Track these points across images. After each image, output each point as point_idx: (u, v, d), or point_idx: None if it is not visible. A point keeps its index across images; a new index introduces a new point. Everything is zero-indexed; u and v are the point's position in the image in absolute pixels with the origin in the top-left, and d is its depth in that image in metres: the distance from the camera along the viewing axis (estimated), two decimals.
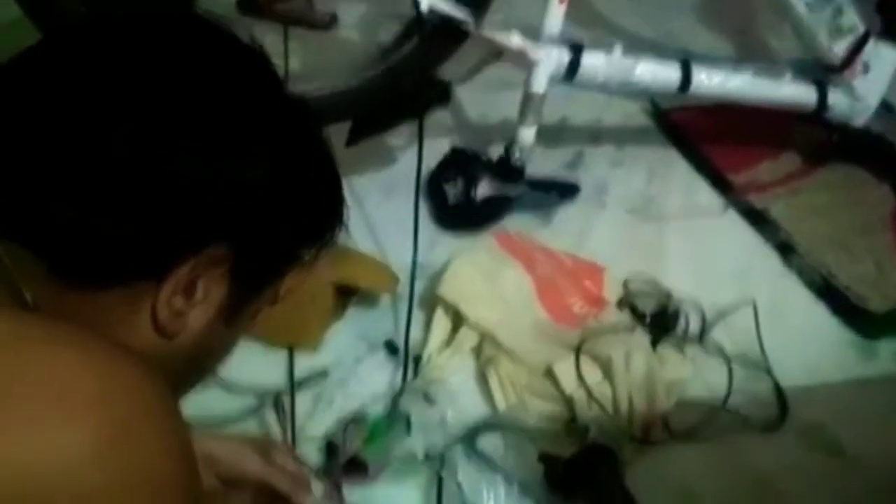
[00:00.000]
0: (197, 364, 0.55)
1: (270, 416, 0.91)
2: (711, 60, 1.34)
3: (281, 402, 0.91)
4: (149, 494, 0.40)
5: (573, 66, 1.17)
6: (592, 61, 1.19)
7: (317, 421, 0.93)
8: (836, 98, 1.34)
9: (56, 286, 0.46)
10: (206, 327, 0.51)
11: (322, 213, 0.56)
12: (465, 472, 0.87)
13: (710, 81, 1.26)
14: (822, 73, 1.34)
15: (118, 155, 0.44)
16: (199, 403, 0.92)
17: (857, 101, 1.36)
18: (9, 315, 0.42)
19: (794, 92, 1.34)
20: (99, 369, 0.41)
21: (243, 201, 0.48)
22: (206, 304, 0.50)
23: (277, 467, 0.80)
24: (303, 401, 0.95)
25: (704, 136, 1.48)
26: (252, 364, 0.98)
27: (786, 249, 1.26)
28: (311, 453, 0.89)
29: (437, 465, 0.87)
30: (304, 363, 1.00)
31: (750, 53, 1.70)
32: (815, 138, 1.45)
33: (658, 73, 1.24)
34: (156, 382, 0.43)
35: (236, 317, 0.53)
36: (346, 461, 0.85)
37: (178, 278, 0.47)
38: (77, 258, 0.45)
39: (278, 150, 0.50)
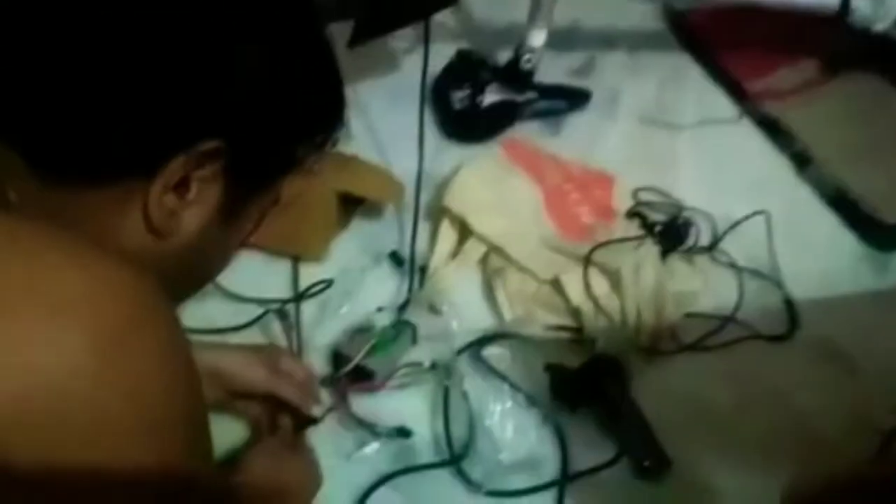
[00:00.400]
0: (195, 269, 0.54)
1: (275, 326, 0.90)
2: None
3: (286, 311, 0.89)
4: (145, 405, 0.39)
5: None
6: None
7: (322, 330, 0.92)
8: (859, 0, 1.28)
9: (40, 186, 0.44)
10: (201, 229, 0.49)
11: (319, 109, 0.54)
12: (471, 382, 0.87)
13: None
14: None
15: (104, 37, 0.42)
16: (203, 314, 0.91)
17: (881, 4, 1.30)
18: None
19: None
20: (88, 274, 0.39)
21: (235, 90, 0.46)
22: (200, 203, 0.48)
23: (284, 376, 0.80)
24: (308, 311, 0.94)
25: (720, 40, 1.43)
26: (256, 274, 0.97)
27: (801, 160, 1.23)
28: (317, 362, 0.89)
29: (443, 375, 0.87)
30: (309, 273, 0.98)
31: None
32: (834, 44, 1.40)
33: None
34: (149, 287, 0.41)
35: (234, 219, 0.52)
36: (352, 370, 0.84)
37: (170, 174, 0.45)
38: (60, 150, 0.43)
39: (273, 37, 0.48)
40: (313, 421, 0.81)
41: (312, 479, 0.75)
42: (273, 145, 0.51)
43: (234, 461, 0.77)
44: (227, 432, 0.80)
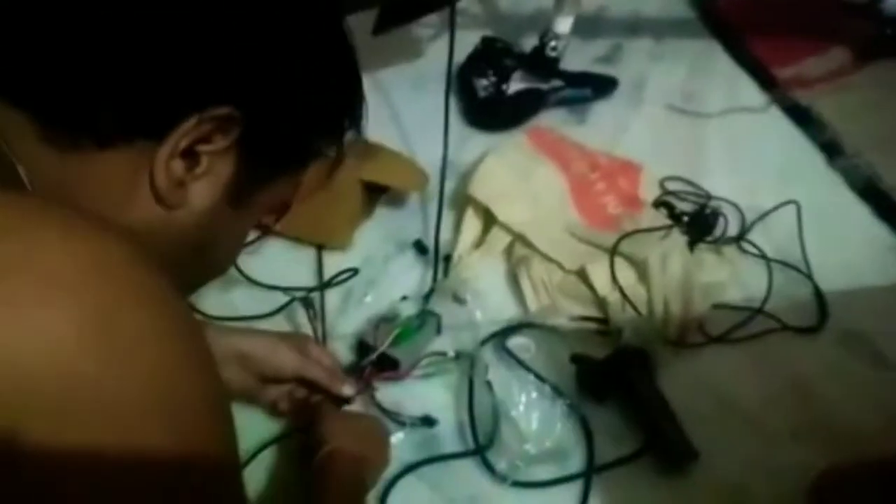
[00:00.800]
0: (203, 253, 0.53)
1: (300, 315, 0.90)
2: None
3: (311, 299, 0.89)
4: (144, 380, 0.38)
5: None
6: None
7: (347, 319, 0.92)
8: None
9: (51, 152, 0.43)
10: (209, 207, 0.49)
11: (335, 100, 0.53)
12: (495, 372, 0.87)
13: None
14: None
15: None
16: (228, 302, 0.92)
17: None
18: None
19: None
20: (82, 250, 0.38)
21: (253, 57, 0.46)
22: (210, 178, 0.48)
23: (313, 360, 0.80)
24: (333, 299, 0.94)
25: (749, 27, 1.41)
26: (281, 262, 0.97)
27: (831, 149, 1.21)
28: (342, 351, 0.89)
29: (467, 365, 0.87)
30: (334, 262, 0.98)
31: None
32: (866, 32, 1.37)
33: None
34: (145, 263, 0.40)
35: (244, 203, 0.51)
36: (376, 359, 0.84)
37: (178, 137, 0.45)
38: (72, 106, 0.43)
39: (290, 17, 0.47)
40: (344, 402, 0.81)
41: (385, 442, 0.77)
42: (286, 129, 0.50)
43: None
44: (255, 425, 0.81)
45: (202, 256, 0.54)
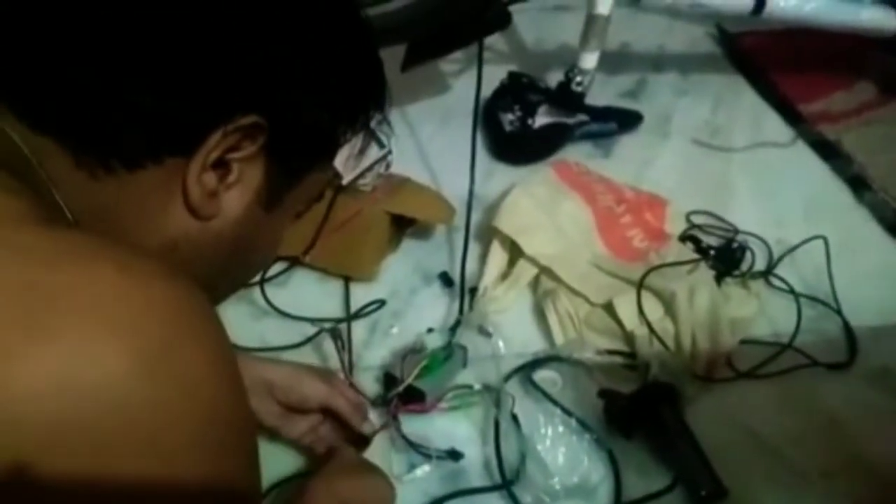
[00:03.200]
0: (240, 257, 0.54)
1: (328, 346, 0.91)
2: None
3: (338, 331, 0.90)
4: (194, 417, 0.38)
5: None
6: None
7: (373, 351, 0.93)
8: None
9: (86, 178, 0.44)
10: (244, 213, 0.50)
11: (358, 91, 0.53)
12: (521, 406, 0.86)
13: (786, 3, 1.19)
14: None
15: (139, 12, 0.43)
16: (256, 332, 0.92)
17: None
18: (45, 231, 0.40)
19: (873, 16, 1.26)
20: (139, 286, 0.39)
21: (272, 63, 0.46)
22: (241, 185, 0.49)
23: (338, 392, 0.80)
24: (359, 331, 0.95)
25: (774, 63, 1.41)
26: (309, 294, 0.98)
27: (858, 183, 1.21)
28: (368, 383, 0.89)
29: (493, 397, 0.86)
30: (361, 293, 0.99)
31: None
32: (891, 66, 1.37)
33: None
34: (199, 300, 0.41)
35: (276, 205, 0.52)
36: (402, 391, 0.84)
37: (208, 150, 0.45)
38: (102, 130, 0.44)
39: (310, 13, 0.48)
40: (364, 440, 0.81)
41: (386, 496, 0.74)
42: (312, 124, 0.50)
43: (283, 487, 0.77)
44: (276, 462, 0.81)
45: (241, 260, 0.54)
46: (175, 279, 0.40)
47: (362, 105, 0.54)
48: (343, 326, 0.93)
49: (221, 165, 0.47)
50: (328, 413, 0.80)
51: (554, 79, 1.23)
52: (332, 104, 0.51)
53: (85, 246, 0.40)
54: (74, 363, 0.35)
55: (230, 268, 0.53)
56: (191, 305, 0.40)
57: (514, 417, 0.85)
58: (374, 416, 0.84)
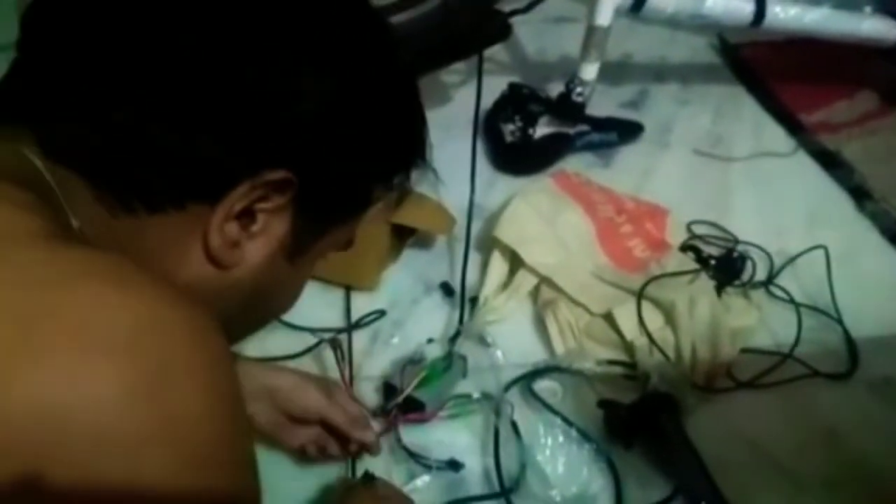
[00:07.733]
0: (259, 305, 0.52)
1: (328, 356, 0.91)
2: None
3: (338, 341, 0.90)
4: (186, 453, 0.36)
5: None
6: None
7: (374, 361, 0.93)
8: None
9: (105, 213, 0.43)
10: (266, 263, 0.48)
11: (396, 148, 0.51)
12: (521, 416, 0.86)
13: (786, 14, 1.19)
14: None
15: (170, 62, 0.42)
16: (257, 342, 0.92)
17: None
18: (45, 246, 0.38)
19: (874, 27, 1.27)
20: (138, 308, 0.37)
21: (301, 118, 0.45)
22: (265, 236, 0.47)
23: (338, 405, 0.80)
24: (360, 340, 0.95)
25: (775, 73, 1.42)
26: (309, 303, 0.97)
27: (859, 193, 1.21)
28: (368, 392, 0.89)
29: (493, 407, 0.86)
30: (361, 303, 0.99)
31: None
32: (892, 76, 1.38)
33: (730, 4, 1.17)
34: (201, 325, 0.38)
35: (300, 255, 0.50)
36: (402, 401, 0.84)
37: (233, 201, 0.44)
38: (127, 170, 0.43)
39: (346, 68, 0.46)
40: (367, 451, 0.81)
41: None
42: (345, 182, 0.49)
43: None
44: (275, 470, 0.81)
45: (259, 307, 0.53)
46: (178, 301, 0.39)
47: (402, 166, 0.53)
48: (343, 336, 0.94)
49: (247, 215, 0.46)
50: (327, 426, 0.80)
51: (555, 89, 1.23)
52: (370, 166, 0.50)
53: (84, 261, 0.39)
54: (58, 384, 0.33)
55: (247, 314, 0.52)
56: (190, 329, 0.38)
57: (514, 427, 0.85)
58: (375, 426, 0.84)
